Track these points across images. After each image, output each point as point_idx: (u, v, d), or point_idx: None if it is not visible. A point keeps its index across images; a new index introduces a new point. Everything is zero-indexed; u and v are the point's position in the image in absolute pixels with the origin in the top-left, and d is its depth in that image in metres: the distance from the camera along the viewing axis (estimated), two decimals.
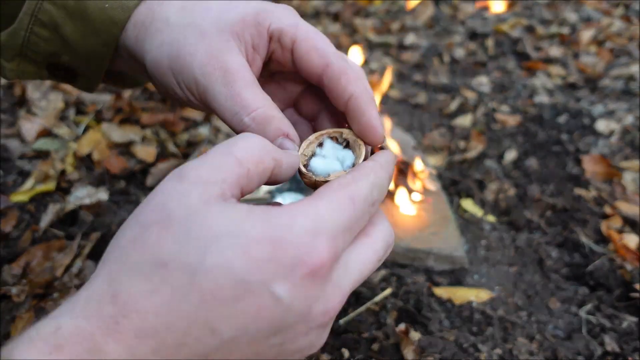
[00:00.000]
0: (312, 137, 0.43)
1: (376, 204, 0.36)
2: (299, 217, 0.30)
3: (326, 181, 0.39)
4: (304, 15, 2.21)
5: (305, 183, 0.40)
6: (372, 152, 0.43)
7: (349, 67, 0.42)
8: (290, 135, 0.40)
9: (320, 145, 0.43)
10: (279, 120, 0.40)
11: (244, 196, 0.34)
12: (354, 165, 0.41)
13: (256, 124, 0.39)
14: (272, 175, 0.36)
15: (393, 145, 1.23)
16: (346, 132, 0.43)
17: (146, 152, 1.27)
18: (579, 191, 1.24)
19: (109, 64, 0.50)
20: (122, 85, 0.61)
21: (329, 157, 0.42)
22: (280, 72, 0.48)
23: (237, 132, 0.40)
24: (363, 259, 0.35)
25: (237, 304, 0.28)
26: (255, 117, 0.39)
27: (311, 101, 0.48)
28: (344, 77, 0.41)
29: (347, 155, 0.42)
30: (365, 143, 0.42)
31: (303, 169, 0.40)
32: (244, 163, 0.32)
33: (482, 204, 1.20)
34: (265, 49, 0.44)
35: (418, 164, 1.17)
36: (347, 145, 0.43)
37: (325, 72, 0.42)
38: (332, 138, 0.44)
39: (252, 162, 0.33)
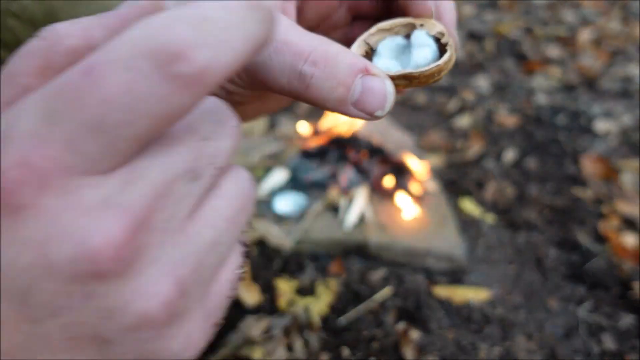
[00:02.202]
0: (366, 36, 0.32)
1: None
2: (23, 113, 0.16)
3: (425, 74, 0.28)
4: None
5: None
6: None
7: None
8: (370, 70, 0.28)
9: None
10: (348, 55, 0.28)
11: None
12: (443, 49, 0.29)
13: (321, 70, 0.28)
14: None
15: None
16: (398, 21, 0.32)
17: None
18: (577, 191, 1.24)
19: None
20: None
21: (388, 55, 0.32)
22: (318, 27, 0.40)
23: (299, 95, 0.29)
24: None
25: None
26: (316, 60, 0.28)
27: None
28: None
29: (419, 43, 0.31)
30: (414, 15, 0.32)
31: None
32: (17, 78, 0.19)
33: (481, 203, 1.20)
34: None
35: (417, 164, 1.18)
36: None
37: None
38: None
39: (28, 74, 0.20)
